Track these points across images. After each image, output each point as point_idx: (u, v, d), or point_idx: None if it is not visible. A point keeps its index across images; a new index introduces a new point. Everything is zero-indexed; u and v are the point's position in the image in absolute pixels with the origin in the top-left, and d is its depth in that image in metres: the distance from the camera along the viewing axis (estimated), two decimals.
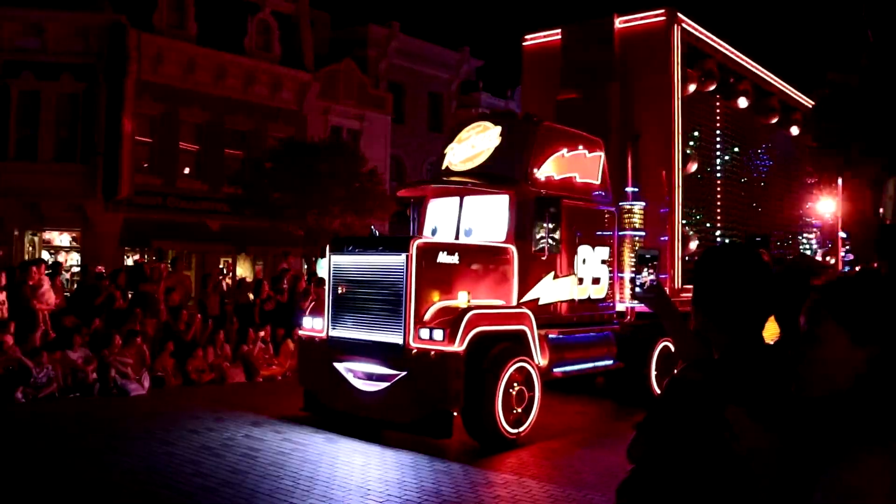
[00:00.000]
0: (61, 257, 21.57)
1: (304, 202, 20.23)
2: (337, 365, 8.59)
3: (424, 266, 8.13)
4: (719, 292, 1.86)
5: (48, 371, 10.35)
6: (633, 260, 10.09)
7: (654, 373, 10.29)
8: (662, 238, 10.50)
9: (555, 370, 9.11)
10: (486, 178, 9.18)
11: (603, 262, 10.10)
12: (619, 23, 10.93)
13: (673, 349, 9.83)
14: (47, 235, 21.55)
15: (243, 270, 23.09)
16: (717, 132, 12.19)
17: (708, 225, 11.82)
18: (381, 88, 26.75)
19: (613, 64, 10.84)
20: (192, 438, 8.23)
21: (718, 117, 12.19)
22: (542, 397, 8.58)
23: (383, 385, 8.19)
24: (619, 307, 10.36)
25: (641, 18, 10.77)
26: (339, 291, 8.72)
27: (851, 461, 1.34)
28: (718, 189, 12.21)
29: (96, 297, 12.69)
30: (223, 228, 21.99)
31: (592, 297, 9.93)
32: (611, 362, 10.01)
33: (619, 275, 10.31)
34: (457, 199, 9.52)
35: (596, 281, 9.98)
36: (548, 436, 8.57)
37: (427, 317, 8.10)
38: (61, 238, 21.79)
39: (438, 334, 7.82)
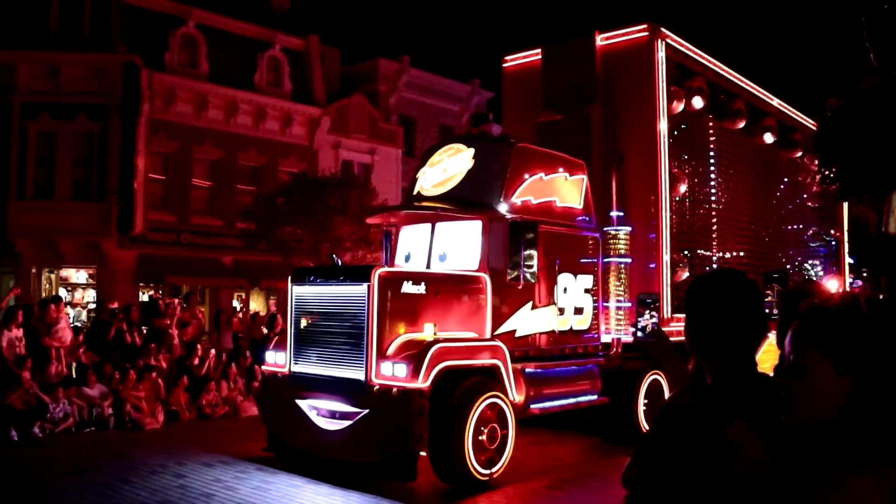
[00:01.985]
0: (78, 294, 21.87)
1: (315, 236, 20.13)
2: (300, 402, 8.19)
3: (388, 297, 7.75)
4: (709, 318, 1.85)
5: (64, 406, 10.59)
6: (618, 288, 9.54)
7: (642, 408, 9.61)
8: (650, 265, 9.89)
9: (532, 406, 8.56)
10: (457, 202, 8.79)
11: (586, 290, 9.54)
12: (600, 40, 10.47)
13: (666, 388, 9.26)
14: (64, 273, 21.79)
15: (257, 305, 23.00)
16: (711, 153, 11.55)
17: (701, 251, 11.13)
18: (392, 122, 26.67)
19: (595, 83, 10.37)
20: (205, 471, 8.26)
21: (711, 138, 11.56)
22: (522, 435, 8.09)
23: (345, 424, 7.77)
24: (605, 338, 9.75)
25: (623, 35, 10.27)
26: (302, 324, 8.37)
27: (838, 487, 1.34)
28: (713, 214, 11.53)
29: (109, 332, 12.79)
30: (236, 264, 22.00)
31: (575, 328, 9.37)
32: (594, 397, 9.38)
33: (605, 304, 9.72)
34: (428, 225, 9.12)
35: (579, 311, 9.42)
36: (524, 476, 8.07)
37: (390, 351, 7.68)
38: (78, 275, 22.02)
39: (401, 369, 7.40)
